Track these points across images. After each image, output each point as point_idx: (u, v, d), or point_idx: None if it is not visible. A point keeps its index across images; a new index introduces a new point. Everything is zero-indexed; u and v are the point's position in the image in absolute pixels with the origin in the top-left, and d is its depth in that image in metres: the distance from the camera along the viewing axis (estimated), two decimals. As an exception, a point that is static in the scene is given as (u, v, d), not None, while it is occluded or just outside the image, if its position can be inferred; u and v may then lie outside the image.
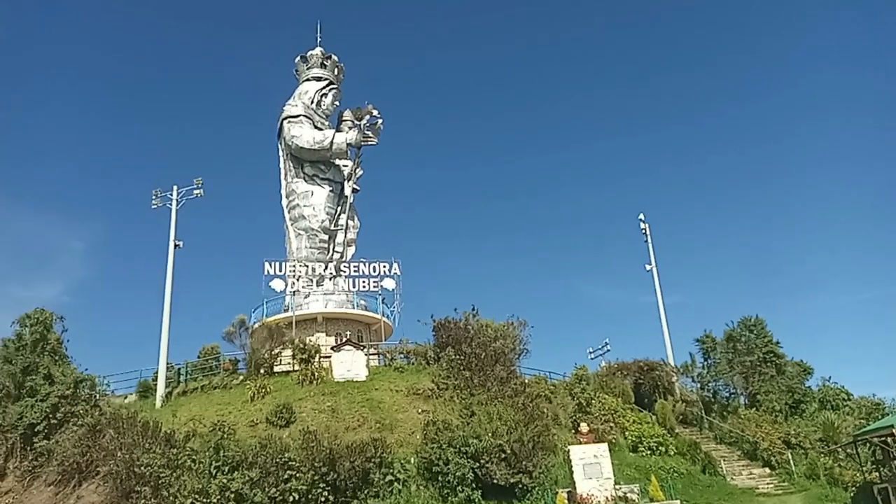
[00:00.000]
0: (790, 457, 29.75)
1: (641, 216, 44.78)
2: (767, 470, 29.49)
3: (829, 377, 40.58)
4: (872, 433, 26.59)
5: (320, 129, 43.74)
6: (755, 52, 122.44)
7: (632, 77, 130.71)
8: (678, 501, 23.01)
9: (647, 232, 44.26)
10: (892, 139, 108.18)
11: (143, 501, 22.00)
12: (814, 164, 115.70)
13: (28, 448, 26.72)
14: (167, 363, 34.17)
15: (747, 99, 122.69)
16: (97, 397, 29.64)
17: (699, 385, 37.63)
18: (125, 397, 34.13)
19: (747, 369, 36.60)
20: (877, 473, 27.29)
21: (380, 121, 43.24)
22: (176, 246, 36.25)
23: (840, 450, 30.85)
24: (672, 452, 29.54)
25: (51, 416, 26.93)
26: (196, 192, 37.74)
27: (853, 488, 27.49)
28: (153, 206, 37.66)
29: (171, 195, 37.56)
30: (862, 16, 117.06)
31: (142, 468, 22.34)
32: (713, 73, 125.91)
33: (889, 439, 25.39)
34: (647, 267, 43.59)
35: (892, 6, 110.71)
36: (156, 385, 33.45)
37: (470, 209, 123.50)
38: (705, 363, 38.83)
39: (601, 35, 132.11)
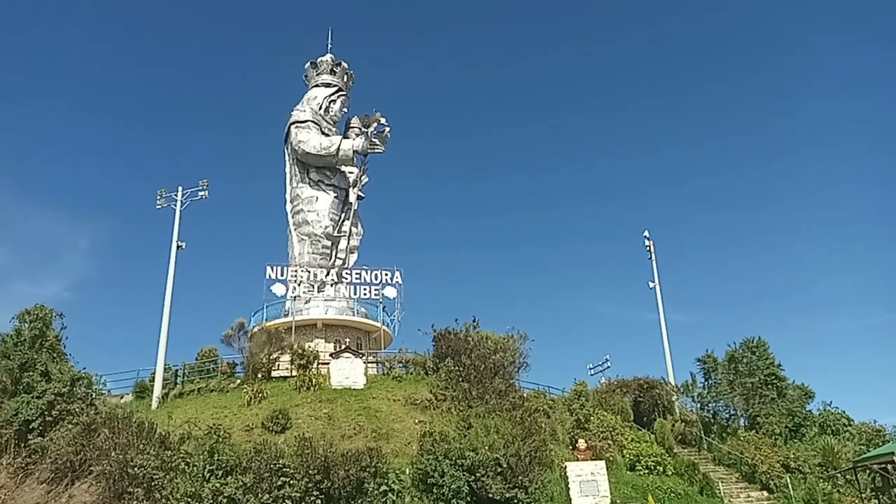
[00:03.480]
0: (789, 481, 29.44)
1: (646, 233, 44.71)
2: (765, 493, 29.17)
3: (831, 402, 40.36)
4: (872, 460, 26.36)
5: (327, 136, 43.83)
6: (763, 74, 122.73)
7: (640, 97, 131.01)
8: (674, 522, 22.78)
9: (652, 249, 44.14)
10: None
11: (135, 502, 21.81)
12: (822, 187, 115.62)
13: (22, 445, 26.56)
14: (165, 364, 34.04)
15: (757, 121, 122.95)
16: (93, 396, 29.52)
17: (699, 405, 37.33)
18: (121, 397, 34.02)
19: (748, 391, 36.33)
20: (876, 501, 27.03)
21: (387, 129, 43.41)
22: (178, 247, 36.17)
23: (839, 475, 30.57)
24: (670, 472, 29.26)
25: (46, 413, 26.78)
26: (201, 193, 37.71)
27: (852, 515, 27.22)
28: (157, 206, 37.67)
29: (176, 196, 37.57)
30: (863, 41, 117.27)
31: (135, 469, 22.13)
32: (720, 95, 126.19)
33: (889, 466, 25.16)
34: (651, 284, 43.40)
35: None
36: (152, 386, 33.29)
37: (475, 223, 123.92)
38: (706, 383, 38.57)
39: (609, 54, 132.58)
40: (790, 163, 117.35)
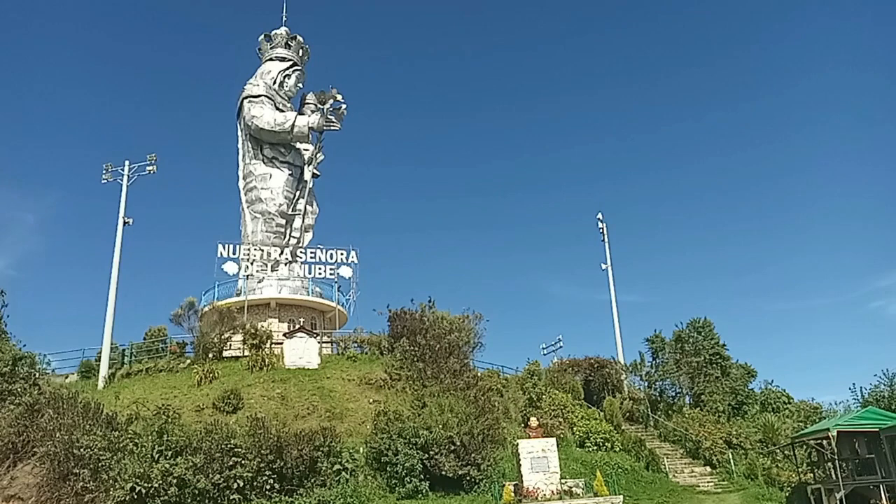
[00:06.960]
0: (731, 456, 30.55)
1: (599, 215, 45.43)
2: (708, 468, 30.22)
3: (772, 380, 41.69)
4: (809, 436, 27.44)
5: (282, 111, 43.00)
6: (717, 64, 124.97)
7: (598, 84, 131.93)
8: (621, 497, 23.35)
9: (605, 231, 44.90)
10: (848, 147, 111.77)
11: (81, 484, 21.34)
12: (771, 174, 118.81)
13: (-40, 426, 25.68)
14: (111, 344, 33.25)
15: (709, 109, 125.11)
16: (37, 376, 28.65)
17: (647, 384, 38.31)
18: (66, 377, 33.19)
19: (693, 370, 37.37)
20: (811, 475, 28.20)
21: (343, 106, 42.78)
22: (125, 223, 35.22)
23: (778, 451, 31.80)
24: (618, 449, 30.07)
25: (-14, 393, 25.94)
26: (149, 168, 36.75)
27: (789, 488, 28.38)
28: (103, 181, 36.58)
29: (123, 170, 36.49)
30: (825, 26, 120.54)
31: (81, 450, 21.65)
32: (677, 85, 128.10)
33: (824, 442, 26.20)
34: (603, 266, 44.20)
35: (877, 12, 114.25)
36: (99, 365, 32.55)
37: (431, 204, 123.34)
38: (654, 362, 39.54)
39: (571, 39, 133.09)
40: (741, 149, 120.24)
